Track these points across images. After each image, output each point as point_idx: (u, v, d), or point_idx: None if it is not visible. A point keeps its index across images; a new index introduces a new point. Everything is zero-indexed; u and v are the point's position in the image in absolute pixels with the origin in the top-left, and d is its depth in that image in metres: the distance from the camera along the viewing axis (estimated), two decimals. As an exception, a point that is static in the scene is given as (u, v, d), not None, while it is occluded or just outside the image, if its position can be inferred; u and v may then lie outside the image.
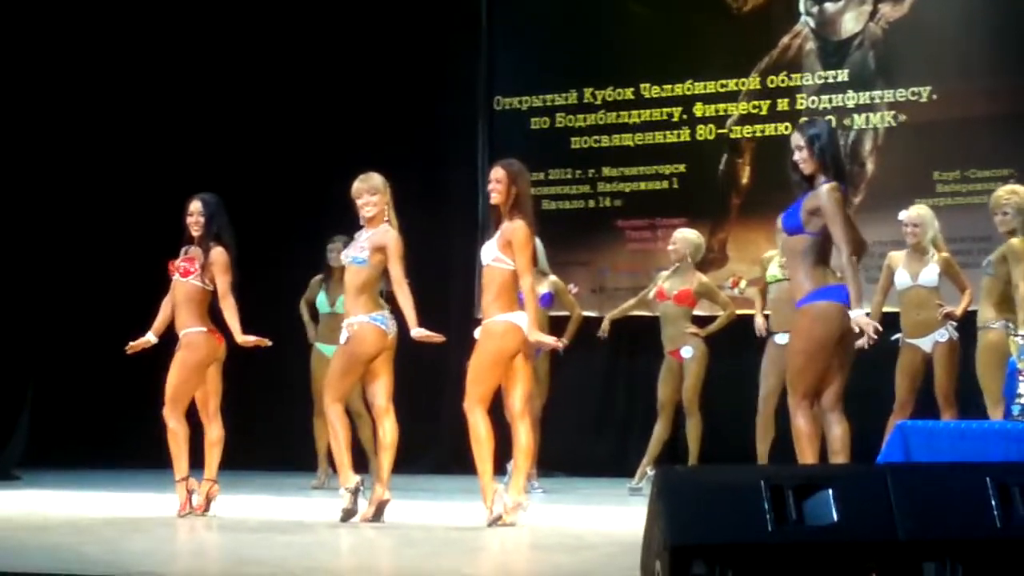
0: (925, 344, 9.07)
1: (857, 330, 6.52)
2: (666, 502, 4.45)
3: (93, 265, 12.74)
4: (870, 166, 11.28)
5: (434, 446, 11.91)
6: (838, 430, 6.58)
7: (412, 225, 8.22)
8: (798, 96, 11.52)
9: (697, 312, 10.37)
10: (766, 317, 9.97)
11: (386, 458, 7.96)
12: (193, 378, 8.35)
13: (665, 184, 11.93)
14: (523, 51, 12.57)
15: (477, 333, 7.80)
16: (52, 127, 12.68)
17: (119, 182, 12.81)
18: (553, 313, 10.52)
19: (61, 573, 5.63)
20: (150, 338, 8.56)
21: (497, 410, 7.88)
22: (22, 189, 12.42)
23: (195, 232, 8.43)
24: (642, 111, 12.01)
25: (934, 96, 11.05)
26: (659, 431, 10.20)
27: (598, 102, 12.16)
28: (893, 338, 8.95)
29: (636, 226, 12.01)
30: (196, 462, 8.39)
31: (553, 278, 10.48)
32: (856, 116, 11.31)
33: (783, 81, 11.59)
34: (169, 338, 8.51)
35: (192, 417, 8.47)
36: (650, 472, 9.79)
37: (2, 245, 12.25)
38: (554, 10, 12.47)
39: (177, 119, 12.84)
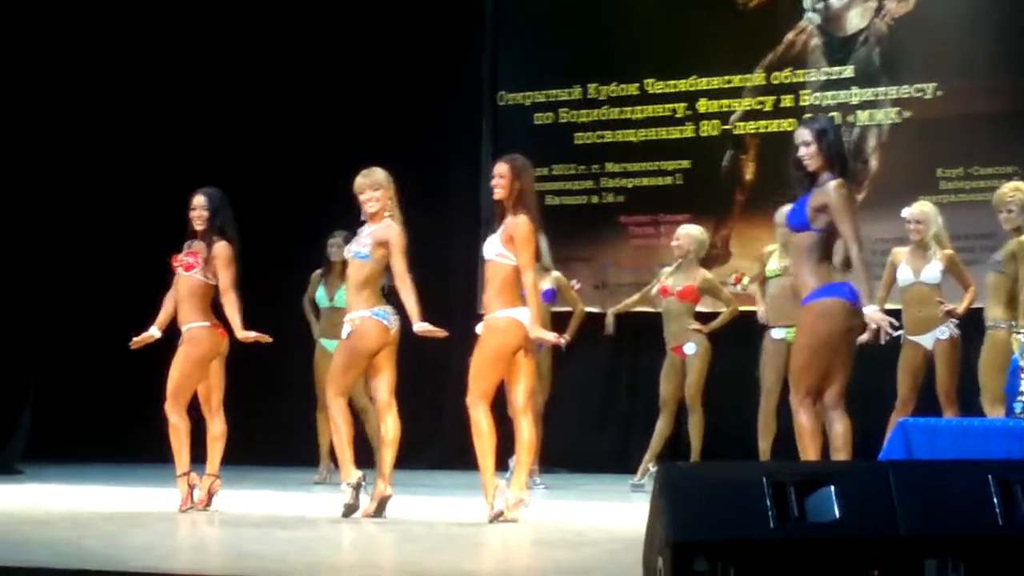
0: (926, 341, 9.05)
1: (874, 327, 6.50)
2: (668, 498, 4.44)
3: (95, 260, 12.73)
4: (874, 163, 11.26)
5: (436, 442, 11.90)
6: (840, 427, 6.58)
7: (415, 220, 8.20)
8: (802, 92, 11.50)
9: (700, 308, 10.35)
10: (767, 311, 9.97)
11: (388, 454, 7.94)
12: (195, 373, 8.33)
13: (669, 180, 11.92)
14: (527, 47, 12.55)
15: (479, 329, 7.78)
16: (55, 124, 12.66)
17: (122, 178, 12.80)
18: (556, 309, 10.51)
19: (62, 567, 5.63)
20: (154, 332, 8.53)
21: (499, 406, 7.86)
22: (24, 185, 12.41)
23: (198, 226, 8.39)
24: (646, 107, 12.00)
25: (938, 93, 11.03)
26: (661, 427, 10.20)
27: (602, 98, 12.15)
28: (895, 334, 8.93)
29: (639, 222, 12.00)
30: (197, 457, 8.39)
31: (556, 274, 10.48)
32: (860, 113, 11.29)
33: (787, 77, 11.58)
34: (172, 333, 8.50)
35: (193, 412, 8.46)
36: (652, 468, 9.77)
37: (4, 241, 12.25)
38: (558, 5, 12.45)
39: (180, 116, 12.82)
